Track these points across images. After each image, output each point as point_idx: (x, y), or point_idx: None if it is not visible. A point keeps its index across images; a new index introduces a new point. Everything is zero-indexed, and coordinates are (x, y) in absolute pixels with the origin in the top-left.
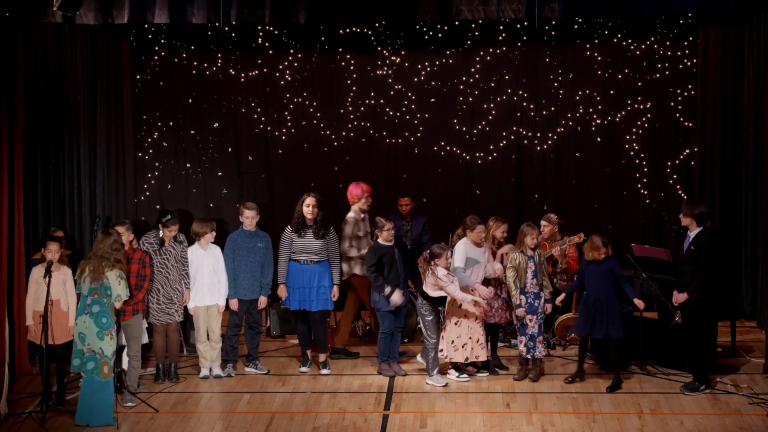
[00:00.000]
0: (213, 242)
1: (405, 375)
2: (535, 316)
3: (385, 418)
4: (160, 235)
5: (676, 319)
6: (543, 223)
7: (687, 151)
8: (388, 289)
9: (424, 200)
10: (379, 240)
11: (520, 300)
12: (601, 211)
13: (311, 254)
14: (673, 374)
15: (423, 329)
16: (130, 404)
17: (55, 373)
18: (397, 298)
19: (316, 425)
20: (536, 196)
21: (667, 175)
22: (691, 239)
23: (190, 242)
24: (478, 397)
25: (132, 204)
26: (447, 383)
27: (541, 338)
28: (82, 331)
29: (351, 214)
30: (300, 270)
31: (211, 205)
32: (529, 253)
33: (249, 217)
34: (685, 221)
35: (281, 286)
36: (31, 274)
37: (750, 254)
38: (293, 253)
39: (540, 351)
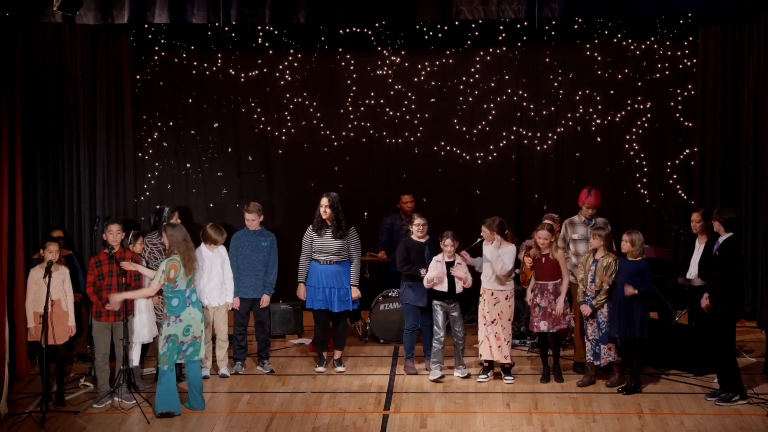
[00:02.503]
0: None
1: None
2: (594, 320)
3: (385, 418)
4: None
5: (676, 318)
6: (549, 222)
7: (687, 151)
8: (423, 271)
9: (424, 200)
10: (411, 235)
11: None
12: (601, 211)
13: (330, 254)
14: (673, 374)
15: (451, 326)
16: (128, 402)
17: (55, 373)
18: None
19: (316, 425)
20: (536, 195)
21: (667, 175)
22: (719, 244)
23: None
24: (478, 397)
25: (132, 204)
26: (441, 376)
27: (611, 344)
28: (189, 323)
29: (572, 217)
30: (322, 270)
31: (211, 205)
32: (598, 256)
33: (250, 219)
34: (715, 226)
35: (300, 284)
36: (30, 275)
37: (750, 254)
38: (313, 252)
39: (604, 358)
